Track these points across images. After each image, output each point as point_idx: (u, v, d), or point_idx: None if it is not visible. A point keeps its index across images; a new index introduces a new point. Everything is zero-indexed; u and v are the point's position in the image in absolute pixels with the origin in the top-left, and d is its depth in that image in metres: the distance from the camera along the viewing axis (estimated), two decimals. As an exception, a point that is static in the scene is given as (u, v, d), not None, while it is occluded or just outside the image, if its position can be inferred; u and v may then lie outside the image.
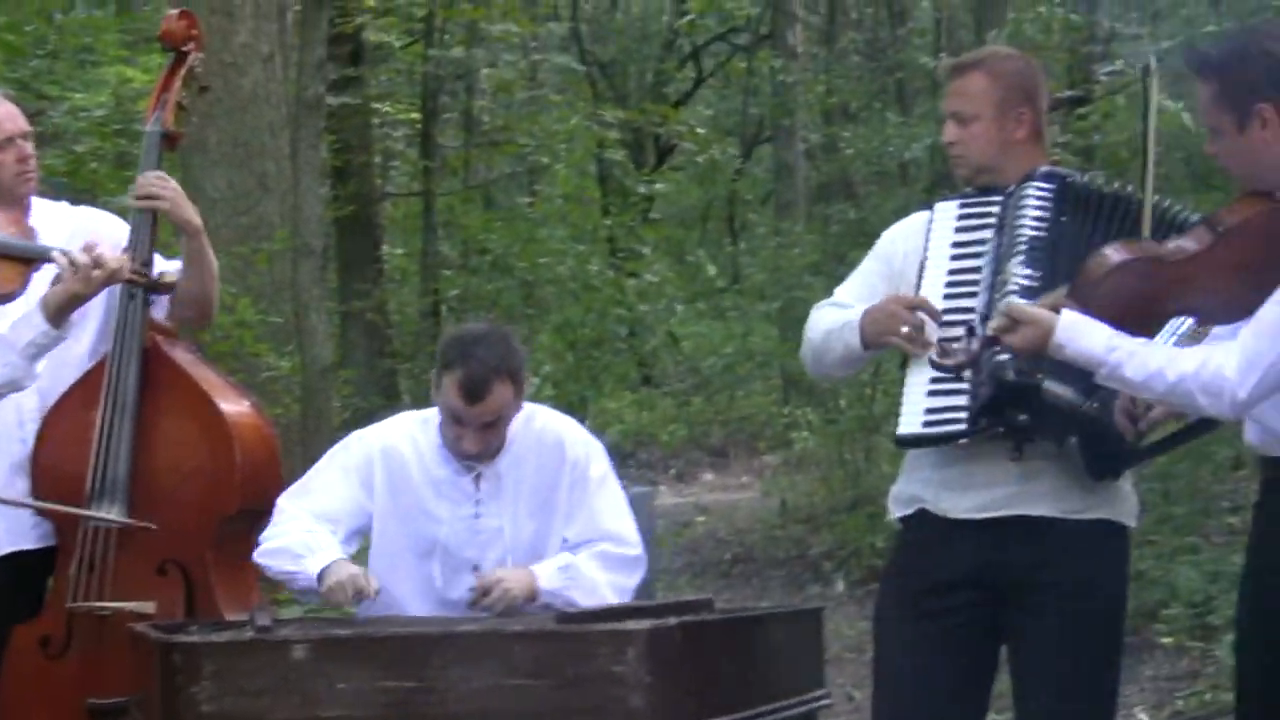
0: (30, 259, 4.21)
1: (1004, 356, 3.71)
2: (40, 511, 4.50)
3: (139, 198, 4.52)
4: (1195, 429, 3.98)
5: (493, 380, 4.15)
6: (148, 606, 4.37)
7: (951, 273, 4.05)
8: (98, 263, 4.05)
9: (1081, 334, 3.47)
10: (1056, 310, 3.47)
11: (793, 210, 15.91)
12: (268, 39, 8.45)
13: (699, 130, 18.23)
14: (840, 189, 15.85)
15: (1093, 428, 3.80)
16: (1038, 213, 3.93)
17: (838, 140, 14.67)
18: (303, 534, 4.29)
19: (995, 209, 4.01)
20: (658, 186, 17.88)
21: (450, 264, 14.47)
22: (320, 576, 4.13)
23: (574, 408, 10.22)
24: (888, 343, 3.98)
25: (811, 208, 16.04)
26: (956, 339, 3.68)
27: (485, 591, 4.13)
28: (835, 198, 15.53)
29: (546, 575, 4.22)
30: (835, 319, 4.09)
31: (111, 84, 8.80)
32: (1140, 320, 3.53)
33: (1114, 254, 3.59)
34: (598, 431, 4.52)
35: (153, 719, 3.98)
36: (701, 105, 21.90)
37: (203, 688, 3.81)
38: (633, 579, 4.37)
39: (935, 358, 3.71)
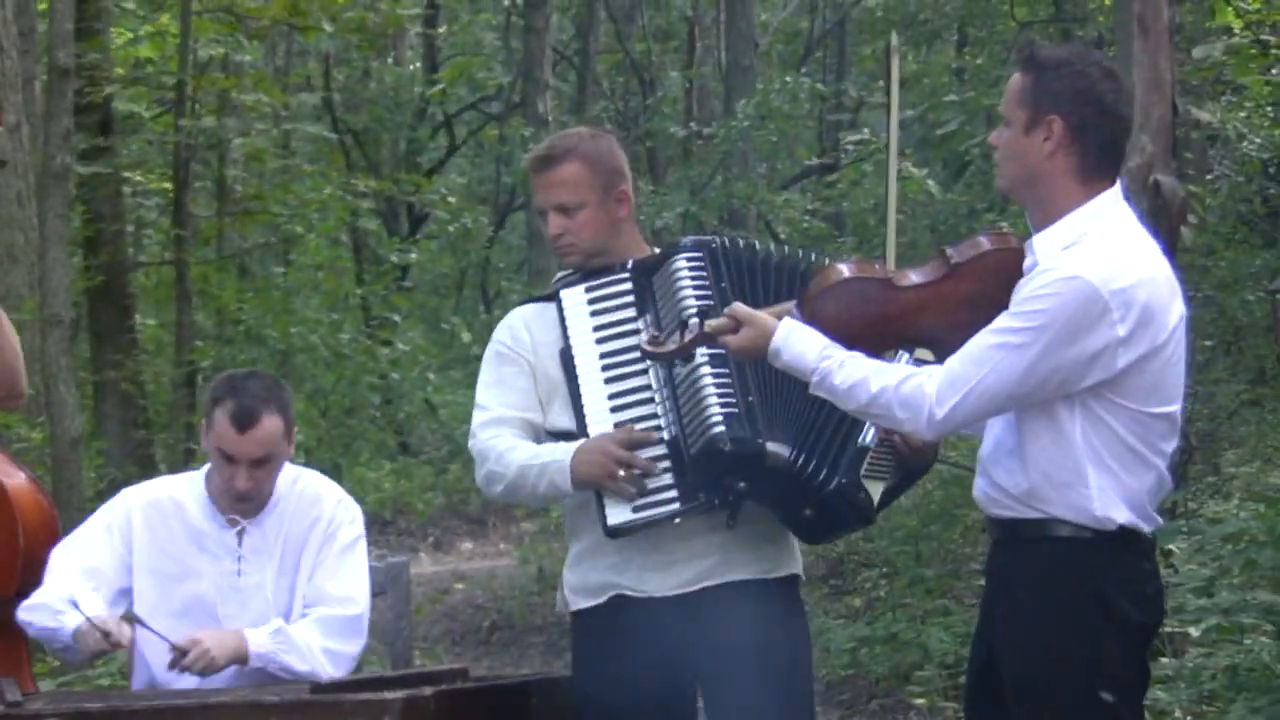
0: None
1: (717, 429, 3.70)
2: None
3: None
4: (905, 481, 4.01)
5: (262, 410, 4.22)
6: None
7: (603, 355, 4.00)
8: None
9: (797, 341, 3.49)
10: (779, 318, 3.48)
11: (546, 277, 16.06)
12: (13, 109, 8.35)
13: (451, 199, 18.39)
14: (592, 256, 16.03)
15: (809, 487, 3.76)
16: (697, 283, 3.89)
17: (589, 208, 14.82)
18: (64, 589, 4.22)
19: (625, 285, 3.99)
20: (411, 255, 17.96)
21: (204, 333, 14.24)
22: (73, 633, 4.07)
23: (328, 475, 10.30)
24: (602, 487, 3.83)
25: (564, 275, 16.24)
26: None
27: (183, 652, 4.09)
28: (587, 265, 15.68)
29: (257, 640, 4.19)
30: (526, 455, 3.96)
31: None
32: (869, 341, 3.55)
33: (845, 269, 3.64)
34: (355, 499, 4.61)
35: None
36: (455, 173, 22.10)
37: None
38: (351, 644, 4.38)
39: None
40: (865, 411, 3.49)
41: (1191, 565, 5.23)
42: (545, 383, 3.98)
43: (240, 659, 4.09)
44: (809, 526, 3.90)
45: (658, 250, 4.07)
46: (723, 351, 3.69)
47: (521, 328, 4.08)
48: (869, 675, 7.63)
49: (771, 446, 3.74)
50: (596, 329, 3.97)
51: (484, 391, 4.08)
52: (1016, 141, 3.39)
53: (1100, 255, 3.30)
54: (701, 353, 3.72)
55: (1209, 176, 7.88)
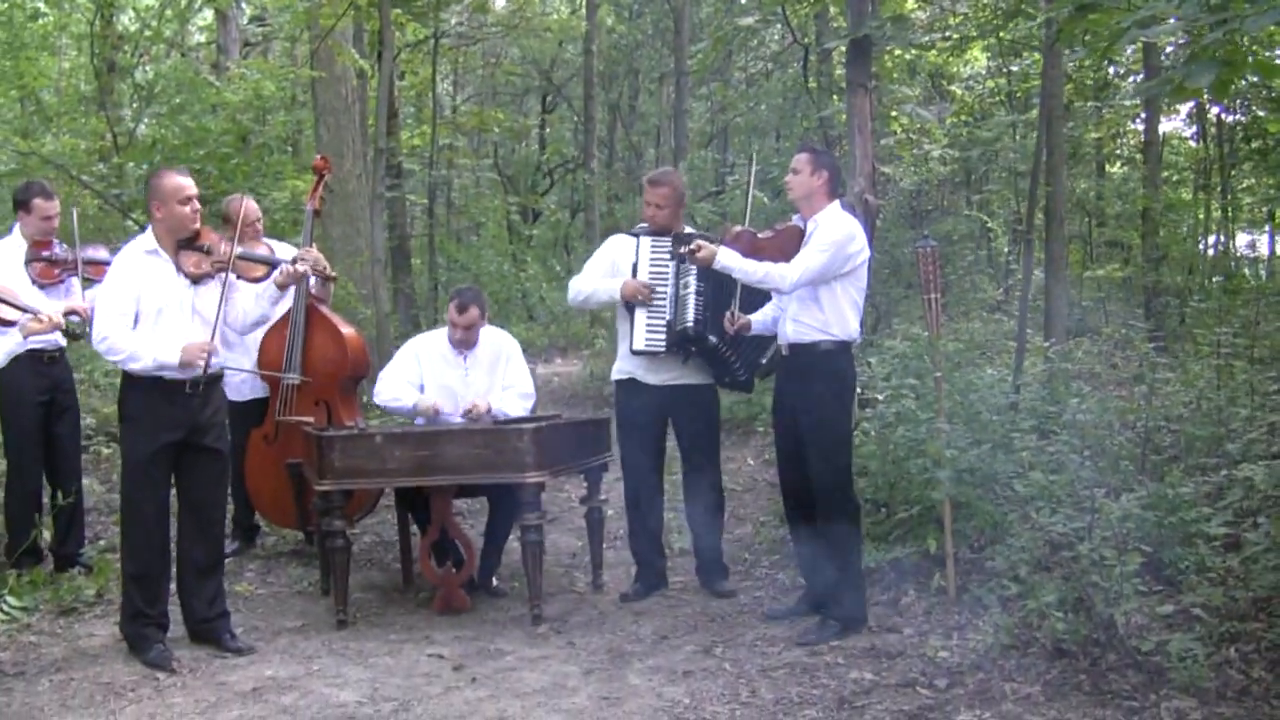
0: (272, 264, 7.29)
1: (688, 323, 7.03)
2: (263, 376, 8.29)
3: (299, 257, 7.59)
4: (773, 359, 7.23)
5: (470, 303, 7.70)
6: (309, 419, 7.96)
7: (653, 279, 7.31)
8: (311, 265, 6.94)
9: (728, 256, 6.64)
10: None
11: (597, 240, 22.90)
12: (361, 163, 13.36)
13: (552, 206, 27.15)
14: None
15: (721, 357, 7.20)
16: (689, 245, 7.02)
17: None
18: (397, 388, 7.79)
19: (667, 245, 7.24)
20: (534, 232, 28.80)
21: (441, 267, 21.25)
22: (414, 406, 7.76)
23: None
24: (631, 299, 7.24)
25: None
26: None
27: (469, 412, 7.68)
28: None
29: (495, 402, 7.73)
30: (594, 284, 7.44)
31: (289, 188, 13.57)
32: (754, 256, 6.64)
33: (736, 229, 6.82)
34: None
35: (311, 472, 7.32)
36: (553, 193, 31.00)
37: (333, 455, 7.01)
38: (529, 403, 7.92)
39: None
40: (760, 282, 6.67)
41: (878, 367, 8.68)
42: (615, 271, 7.46)
43: (488, 409, 7.67)
44: (724, 383, 7.54)
45: (688, 230, 7.55)
46: (703, 287, 7.06)
47: (616, 248, 7.56)
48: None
49: (712, 340, 7.14)
50: (651, 261, 7.40)
51: (587, 265, 7.68)
52: (805, 180, 6.75)
53: (847, 220, 6.67)
54: (691, 285, 7.10)
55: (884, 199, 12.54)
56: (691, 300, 7.22)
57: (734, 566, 7.96)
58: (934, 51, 15.74)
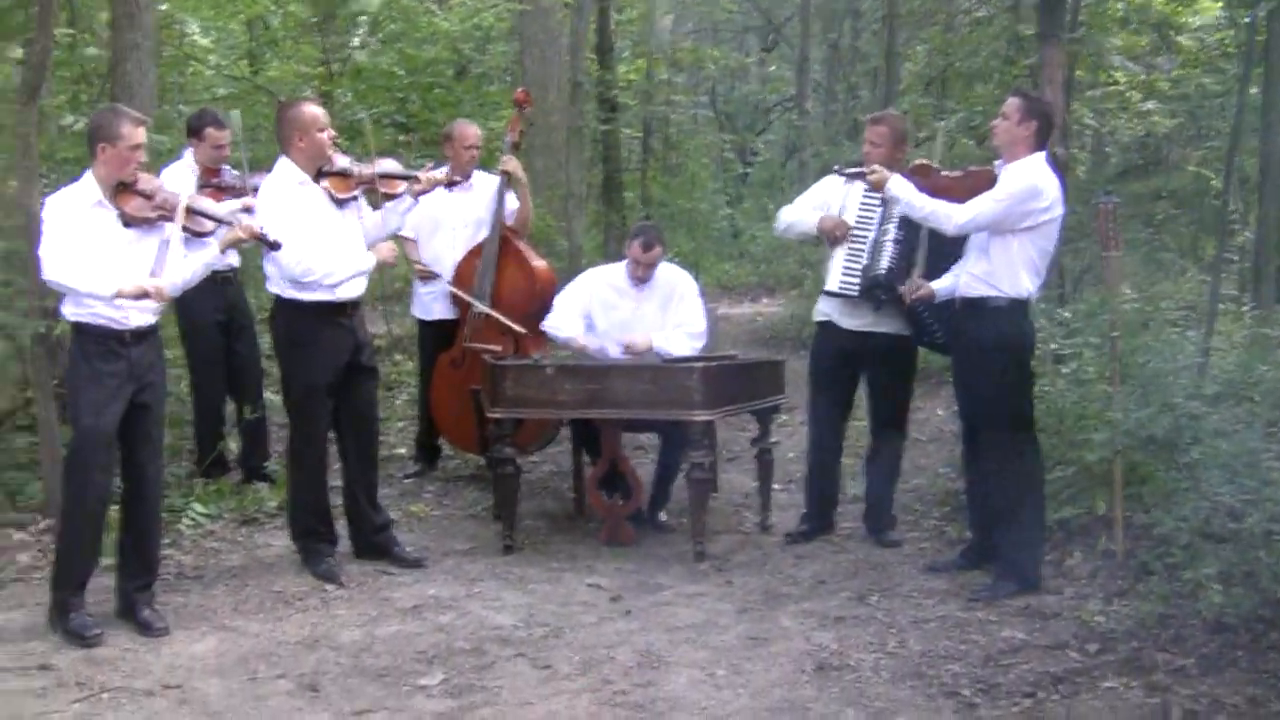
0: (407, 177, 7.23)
1: (880, 269, 7.01)
2: (455, 299, 8.42)
3: (503, 169, 8.43)
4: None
5: (654, 241, 7.85)
6: (496, 348, 8.10)
7: (858, 224, 7.28)
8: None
9: (900, 185, 6.60)
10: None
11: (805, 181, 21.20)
12: (561, 96, 13.45)
13: (764, 146, 26.07)
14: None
15: (914, 312, 6.98)
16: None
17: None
18: (561, 317, 7.95)
19: (880, 195, 6.92)
20: (750, 169, 28.08)
21: (646, 201, 21.92)
22: (568, 339, 7.91)
23: (691, 268, 15.70)
24: (828, 235, 7.28)
25: None
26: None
27: (629, 347, 7.74)
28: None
29: (660, 339, 7.76)
30: (799, 214, 7.44)
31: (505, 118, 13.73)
32: (929, 192, 6.61)
33: (920, 161, 6.87)
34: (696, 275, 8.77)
35: (488, 399, 7.48)
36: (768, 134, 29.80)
37: (506, 384, 7.26)
38: (700, 343, 7.89)
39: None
40: (925, 218, 6.63)
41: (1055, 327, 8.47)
42: (825, 207, 7.42)
43: (648, 346, 7.79)
44: (922, 341, 7.34)
45: None
46: (902, 235, 7.03)
47: (830, 186, 7.51)
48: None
49: (900, 290, 6.95)
50: (861, 203, 7.33)
51: (799, 197, 7.74)
52: (1010, 127, 6.52)
53: (1039, 173, 6.41)
54: (890, 233, 7.11)
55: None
56: (888, 247, 7.20)
57: (904, 517, 7.94)
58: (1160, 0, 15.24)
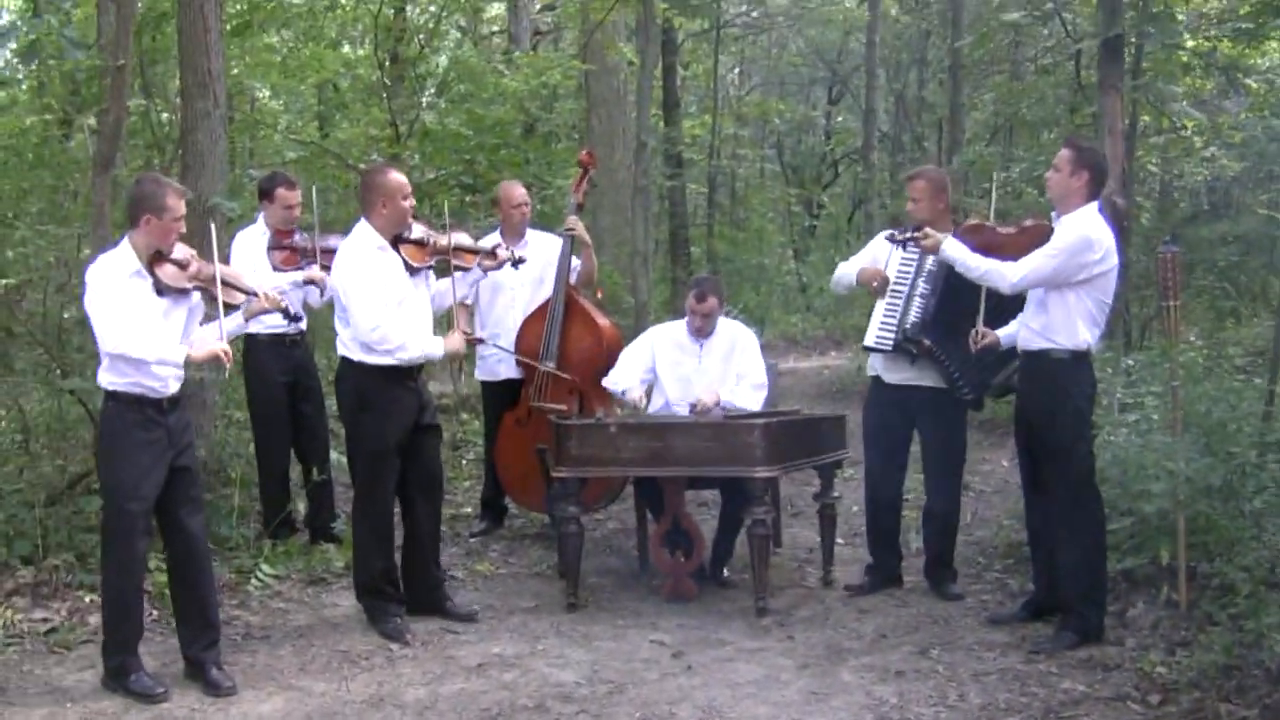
0: (477, 252, 7.42)
1: (908, 325, 7.21)
2: (519, 362, 8.54)
3: (568, 229, 8.60)
4: (1010, 377, 7.08)
5: (709, 293, 7.97)
6: (562, 406, 8.28)
7: (896, 280, 7.38)
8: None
9: (954, 246, 6.73)
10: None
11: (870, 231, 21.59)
12: (627, 153, 13.60)
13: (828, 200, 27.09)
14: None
15: (941, 366, 7.22)
16: (935, 264, 7.21)
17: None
18: (620, 373, 8.04)
19: (918, 251, 7.23)
20: (817, 222, 28.83)
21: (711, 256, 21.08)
22: (622, 393, 7.98)
23: (751, 323, 15.46)
24: (866, 285, 7.43)
25: None
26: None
27: (695, 407, 7.77)
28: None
29: (726, 393, 7.88)
30: (847, 269, 7.57)
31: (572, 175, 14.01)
32: (983, 251, 6.67)
33: (972, 221, 7.12)
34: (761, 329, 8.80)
35: (552, 458, 7.51)
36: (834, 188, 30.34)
37: (570, 443, 7.35)
38: (761, 395, 8.03)
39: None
40: (980, 278, 6.68)
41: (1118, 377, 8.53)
42: (875, 263, 7.52)
43: (716, 401, 7.83)
44: (954, 395, 7.38)
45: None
46: (928, 289, 7.22)
47: (878, 246, 7.61)
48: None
49: (926, 343, 7.21)
50: (901, 258, 7.45)
51: (856, 255, 7.83)
52: (1063, 180, 6.57)
53: (1091, 226, 6.42)
54: (919, 286, 7.27)
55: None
56: (916, 302, 7.31)
57: (966, 569, 7.94)
58: (1227, 43, 15.16)
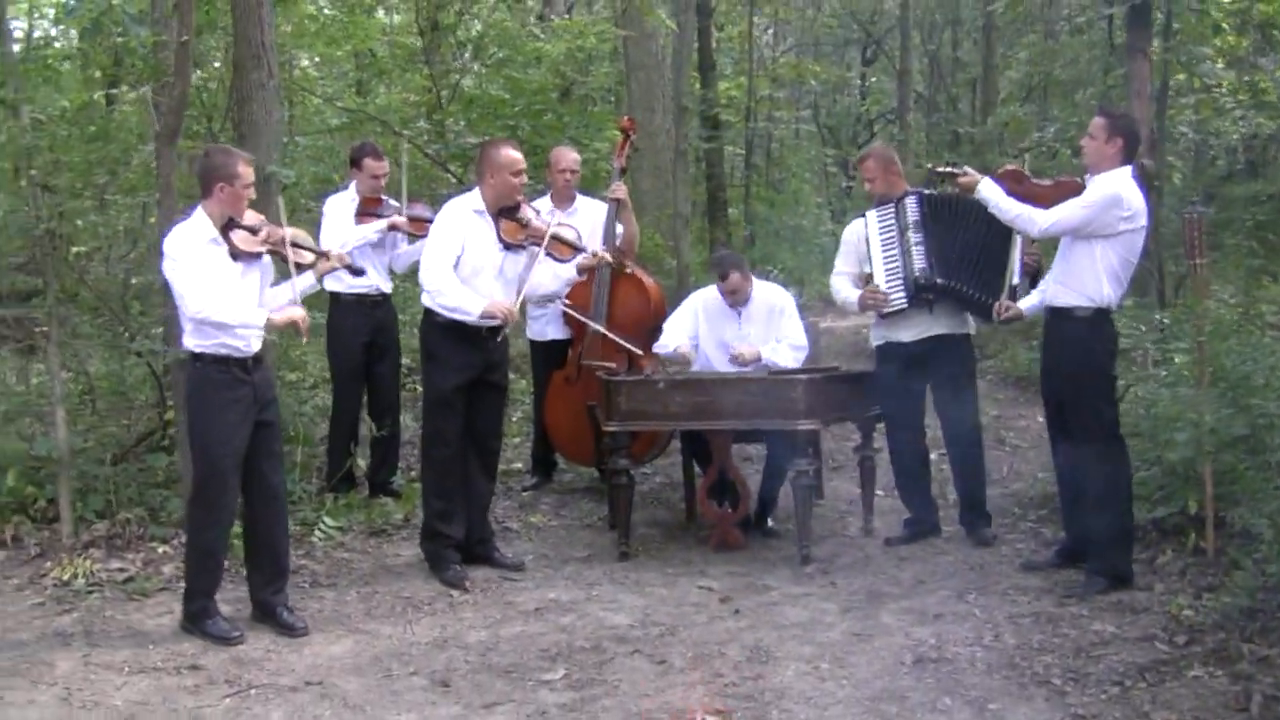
0: (578, 249, 7.76)
1: (917, 271, 7.45)
2: (568, 320, 8.81)
3: (613, 195, 8.81)
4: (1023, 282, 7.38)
5: (731, 269, 8.21)
6: (612, 365, 8.43)
7: (884, 245, 7.68)
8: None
9: (989, 188, 7.01)
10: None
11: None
12: (670, 117, 13.88)
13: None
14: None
15: (960, 295, 7.47)
16: (916, 213, 7.63)
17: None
18: (668, 336, 8.27)
19: (891, 212, 7.62)
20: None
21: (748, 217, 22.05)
22: (672, 352, 8.19)
23: (787, 283, 15.70)
24: (875, 310, 7.62)
25: None
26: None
27: (737, 357, 8.08)
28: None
29: (766, 351, 8.10)
30: (843, 289, 7.84)
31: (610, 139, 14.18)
32: (1016, 196, 6.98)
33: (1009, 166, 7.26)
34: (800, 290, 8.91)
35: (603, 413, 7.80)
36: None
37: (620, 398, 7.63)
38: (802, 355, 8.21)
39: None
40: (1012, 220, 6.98)
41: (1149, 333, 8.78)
42: (859, 255, 7.87)
43: (757, 359, 8.05)
44: (975, 313, 7.73)
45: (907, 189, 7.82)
46: (921, 238, 7.48)
47: (853, 230, 8.00)
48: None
49: (940, 281, 7.47)
50: (880, 230, 7.78)
51: (837, 261, 8.06)
52: (1098, 147, 6.82)
53: (1124, 185, 6.67)
54: (911, 239, 7.50)
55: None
56: (914, 250, 7.59)
57: (1002, 519, 8.21)
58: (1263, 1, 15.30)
